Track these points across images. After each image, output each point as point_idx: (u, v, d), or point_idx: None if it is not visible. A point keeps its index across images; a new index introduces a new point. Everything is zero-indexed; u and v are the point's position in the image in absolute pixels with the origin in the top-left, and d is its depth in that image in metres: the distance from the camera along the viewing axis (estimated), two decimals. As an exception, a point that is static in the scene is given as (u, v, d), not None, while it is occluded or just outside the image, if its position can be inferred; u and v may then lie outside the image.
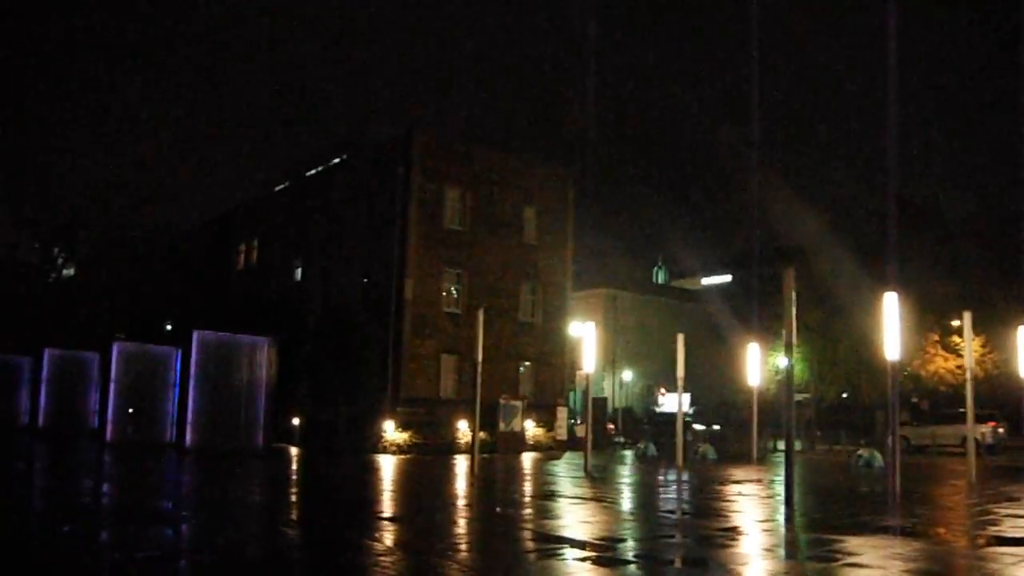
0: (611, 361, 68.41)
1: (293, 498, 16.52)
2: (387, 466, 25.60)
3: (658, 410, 63.54)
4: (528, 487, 19.12)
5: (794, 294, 15.25)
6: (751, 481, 20.70)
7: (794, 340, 15.17)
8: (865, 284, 53.44)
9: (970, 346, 22.10)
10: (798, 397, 58.51)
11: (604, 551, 9.24)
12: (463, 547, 10.09)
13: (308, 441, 35.32)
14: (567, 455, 33.04)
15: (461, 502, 15.30)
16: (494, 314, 33.17)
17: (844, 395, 59.27)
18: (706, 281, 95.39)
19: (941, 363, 64.08)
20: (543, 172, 42.25)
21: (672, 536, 11.23)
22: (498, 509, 14.36)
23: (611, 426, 47.77)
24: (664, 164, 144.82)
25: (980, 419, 45.58)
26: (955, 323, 63.97)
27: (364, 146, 41.77)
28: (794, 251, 71.83)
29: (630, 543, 10.26)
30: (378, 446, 32.65)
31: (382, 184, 38.56)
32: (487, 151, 40.57)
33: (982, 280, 63.94)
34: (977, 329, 62.43)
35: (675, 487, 19.71)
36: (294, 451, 32.16)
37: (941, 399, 60.28)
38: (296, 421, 36.72)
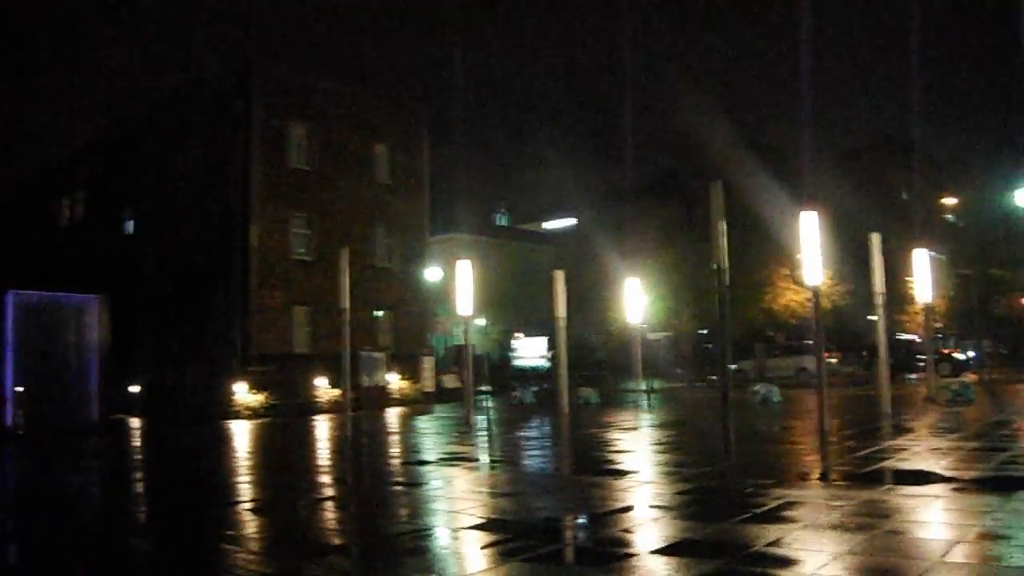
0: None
1: (126, 486, 13.00)
2: (242, 434, 22.21)
3: (513, 355, 61.54)
4: (421, 449, 16.19)
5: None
6: (664, 427, 18.46)
7: (725, 264, 12.85)
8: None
9: (880, 270, 20.14)
10: (657, 335, 57.72)
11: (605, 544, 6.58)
12: (356, 548, 7.19)
13: (151, 410, 31.38)
14: (438, 408, 30.30)
15: (341, 476, 12.34)
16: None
17: (703, 331, 58.54)
18: (548, 225, 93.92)
19: (792, 296, 64.38)
20: (395, 107, 38.83)
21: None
22: (398, 485, 11.32)
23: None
24: (514, 106, 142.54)
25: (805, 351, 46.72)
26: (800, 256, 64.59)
27: (199, 83, 37.19)
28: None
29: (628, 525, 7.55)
30: (230, 411, 29.08)
31: (220, 123, 34.41)
32: (334, 84, 36.77)
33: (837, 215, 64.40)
34: (825, 263, 63.21)
35: (598, 438, 17.05)
36: (136, 423, 28.38)
37: (795, 332, 60.57)
38: (137, 388, 32.76)
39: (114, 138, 41.49)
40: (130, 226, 39.43)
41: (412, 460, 13.98)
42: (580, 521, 7.91)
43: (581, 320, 55.84)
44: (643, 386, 27.29)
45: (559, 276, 24.14)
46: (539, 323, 68.03)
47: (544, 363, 67.42)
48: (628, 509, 8.20)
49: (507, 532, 7.19)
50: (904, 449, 11.88)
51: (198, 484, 11.96)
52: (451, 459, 13.32)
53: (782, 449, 13.66)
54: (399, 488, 10.48)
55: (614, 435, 16.45)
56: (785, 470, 10.73)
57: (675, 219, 54.97)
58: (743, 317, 57.33)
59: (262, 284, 32.93)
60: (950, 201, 52.68)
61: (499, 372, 51.69)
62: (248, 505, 9.81)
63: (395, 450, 16.20)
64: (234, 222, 33.01)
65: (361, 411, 28.83)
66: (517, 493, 9.72)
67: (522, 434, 18.21)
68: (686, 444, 14.94)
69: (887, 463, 10.56)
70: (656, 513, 8.00)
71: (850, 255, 43.94)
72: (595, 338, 66.11)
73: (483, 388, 41.99)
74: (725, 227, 12.94)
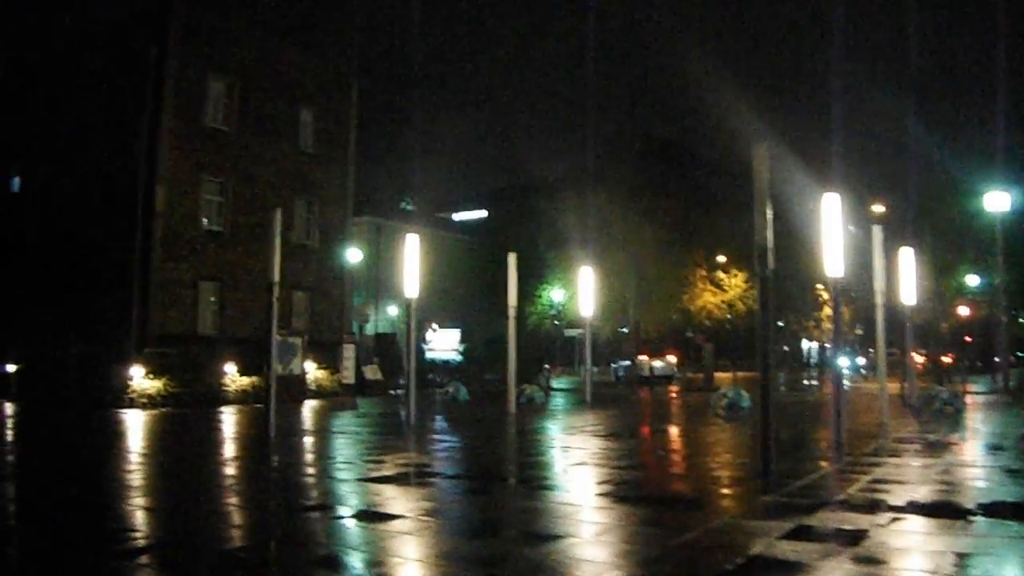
0: (376, 295, 62.33)
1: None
2: (136, 428, 18.04)
3: (426, 348, 57.71)
4: (366, 456, 12.31)
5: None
6: (620, 437, 15.07)
7: (770, 245, 9.55)
8: (633, 220, 50.07)
9: (881, 265, 17.21)
10: (573, 332, 54.66)
11: None
12: None
13: (27, 392, 26.71)
14: (361, 403, 26.32)
15: (266, 498, 8.47)
16: (262, 233, 25.60)
17: (624, 328, 55.80)
18: (458, 216, 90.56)
19: (709, 298, 62.28)
20: (324, 71, 34.67)
21: None
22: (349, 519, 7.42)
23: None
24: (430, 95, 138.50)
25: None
26: (720, 259, 62.51)
27: (104, 23, 32.29)
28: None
29: None
30: (123, 398, 24.64)
31: (127, 71, 29.80)
32: (261, 37, 32.38)
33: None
34: (740, 265, 61.07)
35: (563, 446, 13.43)
36: (8, 408, 23.79)
37: (711, 334, 58.46)
38: (12, 367, 28.02)
39: (1, 84, 36.21)
40: (15, 183, 34.37)
41: (368, 476, 10.00)
42: None
43: (497, 312, 52.91)
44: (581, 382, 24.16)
45: (512, 260, 20.64)
46: (452, 315, 64.48)
47: (456, 356, 63.83)
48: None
49: None
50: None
51: (69, 502, 7.87)
52: (422, 473, 9.55)
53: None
54: (367, 530, 6.62)
55: (599, 443, 12.90)
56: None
57: (600, 212, 51.98)
58: (662, 316, 54.93)
59: (167, 254, 28.64)
60: (879, 208, 50.79)
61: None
62: (142, 559, 5.85)
63: (341, 457, 12.30)
64: (137, 183, 28.52)
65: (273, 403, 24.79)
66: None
67: (488, 439, 14.62)
68: (698, 455, 11.56)
69: None
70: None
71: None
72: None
73: (403, 382, 38.16)
74: (769, 204, 9.66)
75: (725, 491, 8.71)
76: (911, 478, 9.04)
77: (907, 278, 18.71)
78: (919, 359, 46.72)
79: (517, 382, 20.79)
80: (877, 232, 17.26)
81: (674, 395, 31.64)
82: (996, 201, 33.42)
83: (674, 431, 17.38)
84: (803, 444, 13.19)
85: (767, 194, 9.79)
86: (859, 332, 66.28)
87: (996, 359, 38.46)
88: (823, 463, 10.62)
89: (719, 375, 43.08)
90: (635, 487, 8.96)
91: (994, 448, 12.48)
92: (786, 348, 66.17)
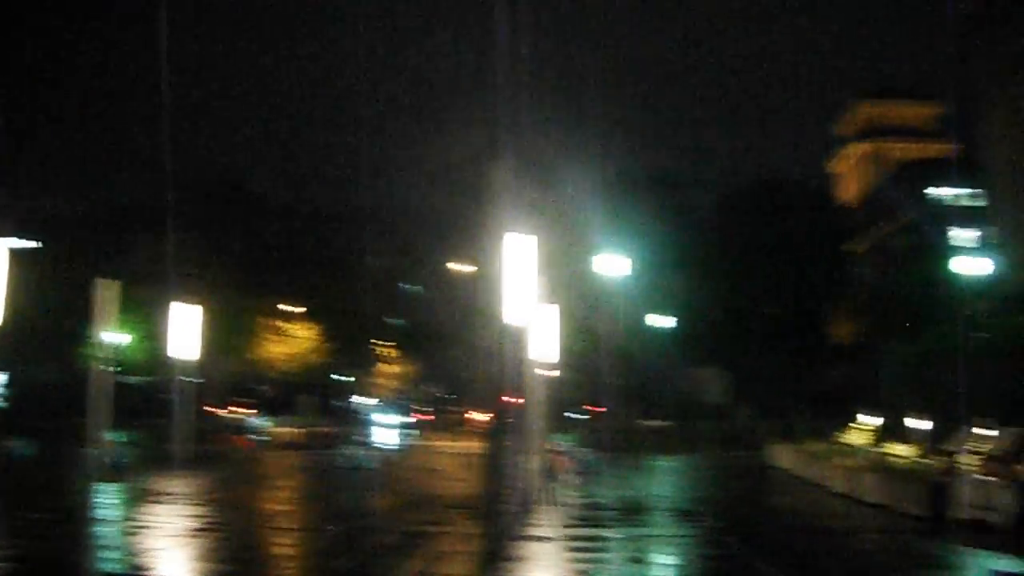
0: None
1: None
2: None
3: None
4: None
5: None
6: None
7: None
8: (204, 262, 47.29)
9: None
10: (135, 379, 49.71)
11: None
12: None
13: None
14: None
15: None
16: None
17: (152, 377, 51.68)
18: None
19: (274, 348, 60.41)
20: None
21: None
22: None
23: None
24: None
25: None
26: (287, 308, 60.81)
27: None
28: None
29: None
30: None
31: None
32: None
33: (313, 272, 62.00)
34: (318, 317, 59.98)
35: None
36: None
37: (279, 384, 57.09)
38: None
39: None
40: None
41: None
42: None
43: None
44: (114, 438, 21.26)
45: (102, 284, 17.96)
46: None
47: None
48: None
49: None
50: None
51: None
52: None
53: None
54: None
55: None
56: None
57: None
58: (232, 365, 52.23)
59: None
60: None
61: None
62: None
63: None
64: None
65: None
66: None
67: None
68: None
69: None
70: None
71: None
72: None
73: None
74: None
75: None
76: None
77: (550, 335, 18.63)
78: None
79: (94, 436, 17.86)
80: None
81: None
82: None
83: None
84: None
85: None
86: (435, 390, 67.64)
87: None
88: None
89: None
90: None
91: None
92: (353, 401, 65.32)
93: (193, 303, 43.55)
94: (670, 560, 12.14)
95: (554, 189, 40.78)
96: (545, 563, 10.87)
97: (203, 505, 13.62)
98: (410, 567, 10.54)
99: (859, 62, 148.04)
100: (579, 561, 10.87)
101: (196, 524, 11.59)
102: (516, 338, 14.71)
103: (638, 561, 12.03)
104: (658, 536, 13.69)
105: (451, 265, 71.83)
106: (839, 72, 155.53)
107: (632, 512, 15.76)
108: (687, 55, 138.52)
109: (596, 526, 14.20)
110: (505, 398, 14.76)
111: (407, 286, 74.30)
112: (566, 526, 13.47)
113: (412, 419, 54.56)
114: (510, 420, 14.35)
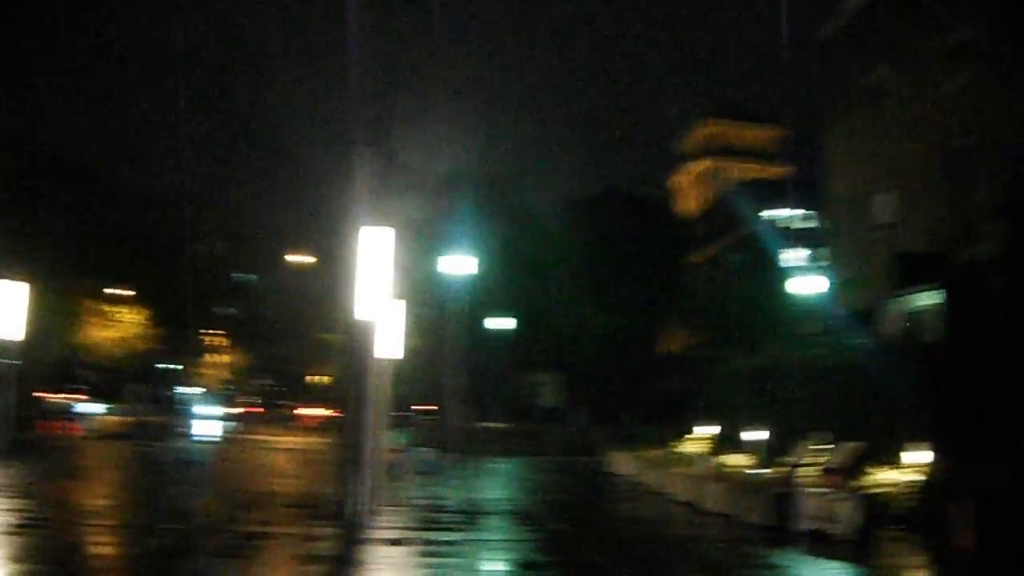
0: None
1: None
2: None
3: None
4: None
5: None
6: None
7: None
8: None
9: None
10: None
11: None
12: None
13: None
14: None
15: None
16: None
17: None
18: None
19: (100, 332, 57.60)
20: None
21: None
22: None
23: None
24: None
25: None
26: (113, 291, 57.98)
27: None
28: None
29: None
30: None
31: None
32: None
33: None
34: (147, 302, 57.40)
35: None
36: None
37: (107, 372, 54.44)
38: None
39: None
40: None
41: None
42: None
43: None
44: None
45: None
46: None
47: None
48: None
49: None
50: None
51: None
52: None
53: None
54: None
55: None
56: None
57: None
58: (55, 349, 49.26)
59: None
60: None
61: None
62: None
63: None
64: None
65: None
66: None
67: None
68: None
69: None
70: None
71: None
72: None
73: None
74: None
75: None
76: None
77: (395, 332, 18.15)
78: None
79: None
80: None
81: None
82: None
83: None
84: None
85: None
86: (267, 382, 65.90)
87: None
88: None
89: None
90: None
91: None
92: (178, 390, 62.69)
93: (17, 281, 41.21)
94: (520, 563, 11.90)
95: (405, 183, 40.16)
96: (392, 567, 10.41)
97: (22, 498, 12.54)
98: (253, 573, 9.90)
99: (713, 84, 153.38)
100: (426, 567, 10.45)
101: (14, 520, 10.64)
102: (364, 334, 14.17)
103: (490, 562, 11.78)
104: (508, 540, 13.44)
105: (289, 257, 70.19)
106: (692, 91, 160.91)
107: (478, 514, 15.47)
108: (550, 64, 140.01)
109: (442, 529, 13.79)
110: (347, 394, 14.19)
111: (240, 275, 72.06)
112: (411, 528, 13.02)
113: (237, 411, 52.41)
114: (351, 417, 13.78)
